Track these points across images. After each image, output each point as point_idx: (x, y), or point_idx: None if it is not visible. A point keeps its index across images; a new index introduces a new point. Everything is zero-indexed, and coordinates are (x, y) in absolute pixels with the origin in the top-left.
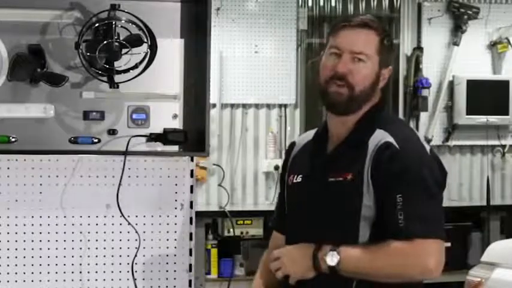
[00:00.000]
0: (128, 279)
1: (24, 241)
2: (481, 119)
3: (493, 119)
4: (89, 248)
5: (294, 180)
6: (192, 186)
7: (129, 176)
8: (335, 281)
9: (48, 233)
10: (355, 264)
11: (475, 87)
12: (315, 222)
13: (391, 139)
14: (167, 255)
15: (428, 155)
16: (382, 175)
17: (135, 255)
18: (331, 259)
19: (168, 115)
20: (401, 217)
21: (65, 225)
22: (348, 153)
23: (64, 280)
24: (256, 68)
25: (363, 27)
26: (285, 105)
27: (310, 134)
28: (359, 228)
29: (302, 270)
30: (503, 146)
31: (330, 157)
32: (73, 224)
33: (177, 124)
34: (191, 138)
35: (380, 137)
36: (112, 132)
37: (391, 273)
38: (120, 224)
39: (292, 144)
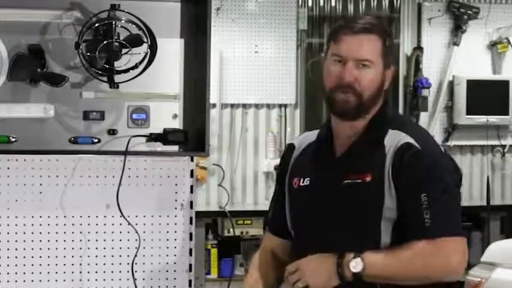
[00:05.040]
0: (127, 279)
1: (24, 241)
2: (481, 119)
3: (493, 119)
4: (89, 248)
5: (301, 184)
6: (192, 186)
7: (129, 176)
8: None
9: (48, 233)
10: (380, 268)
11: (475, 87)
12: (332, 226)
13: (411, 140)
14: (167, 255)
15: (445, 155)
16: (405, 175)
17: (135, 255)
18: (356, 266)
19: (168, 115)
20: (428, 216)
21: (65, 225)
22: (363, 155)
23: (64, 280)
24: (256, 68)
25: (364, 32)
26: (285, 105)
27: (311, 135)
28: (380, 230)
29: (324, 279)
30: (503, 146)
31: (343, 159)
32: (73, 224)
33: (177, 124)
34: (191, 138)
35: (398, 137)
36: (112, 132)
37: (417, 275)
38: (120, 224)
39: (291, 146)
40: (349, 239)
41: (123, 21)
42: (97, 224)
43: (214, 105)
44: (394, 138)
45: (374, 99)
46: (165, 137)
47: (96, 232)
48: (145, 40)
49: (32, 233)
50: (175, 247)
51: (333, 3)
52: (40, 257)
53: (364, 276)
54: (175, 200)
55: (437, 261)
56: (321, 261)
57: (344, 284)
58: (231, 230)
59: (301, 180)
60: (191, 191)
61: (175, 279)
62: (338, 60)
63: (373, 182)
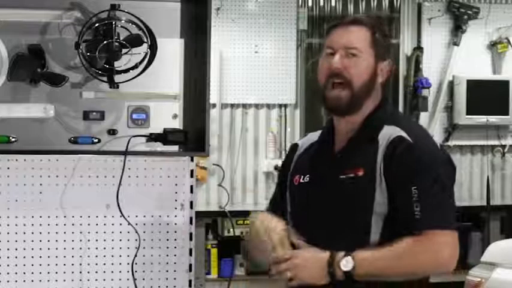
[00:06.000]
0: (127, 279)
1: (24, 241)
2: (481, 119)
3: (493, 119)
4: (89, 248)
5: (301, 180)
6: (192, 186)
7: (129, 176)
8: None
9: (48, 233)
10: (371, 266)
11: (475, 87)
12: (328, 220)
13: (403, 133)
14: (167, 255)
15: (440, 149)
16: (396, 168)
17: (135, 255)
18: (346, 264)
19: (168, 115)
20: (418, 209)
21: (65, 225)
22: (357, 150)
23: (64, 280)
24: (256, 68)
25: (353, 24)
26: (285, 105)
27: (314, 135)
28: (371, 224)
29: (314, 276)
30: (503, 146)
31: (339, 155)
32: (73, 224)
33: (177, 124)
34: (191, 138)
35: (391, 132)
36: (112, 132)
37: (408, 270)
38: (120, 224)
39: (295, 145)
40: (343, 233)
41: (123, 21)
42: (97, 224)
43: (214, 105)
44: (388, 132)
45: (366, 91)
46: (165, 137)
47: (96, 232)
48: (145, 40)
49: (32, 233)
50: (175, 247)
51: (333, 3)
52: (40, 257)
53: (355, 275)
54: (175, 200)
55: (428, 255)
56: (313, 258)
57: (334, 282)
58: (231, 230)
59: (302, 177)
60: (191, 191)
61: (175, 279)
62: (330, 53)
63: (365, 176)
